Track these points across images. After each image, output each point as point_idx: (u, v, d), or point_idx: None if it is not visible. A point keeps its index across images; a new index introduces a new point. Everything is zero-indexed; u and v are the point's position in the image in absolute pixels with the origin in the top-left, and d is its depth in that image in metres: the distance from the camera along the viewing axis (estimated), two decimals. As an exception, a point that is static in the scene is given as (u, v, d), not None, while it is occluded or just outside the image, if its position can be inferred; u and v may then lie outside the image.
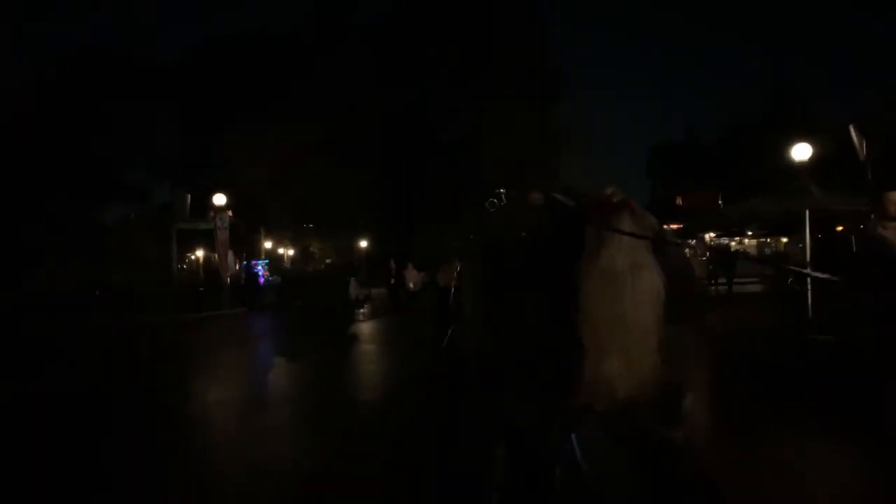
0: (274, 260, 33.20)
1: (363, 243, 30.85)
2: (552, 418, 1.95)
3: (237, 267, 22.71)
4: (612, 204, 1.83)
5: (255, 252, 26.75)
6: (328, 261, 29.57)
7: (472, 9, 30.40)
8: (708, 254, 19.23)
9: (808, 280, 9.80)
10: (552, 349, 1.87)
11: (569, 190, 2.23)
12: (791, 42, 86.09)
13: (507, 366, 2.01)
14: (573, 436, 1.99)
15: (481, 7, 30.39)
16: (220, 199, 17.72)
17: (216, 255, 18.60)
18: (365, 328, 14.60)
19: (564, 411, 1.92)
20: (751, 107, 45.81)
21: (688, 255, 2.27)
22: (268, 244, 29.51)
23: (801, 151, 11.42)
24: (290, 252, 32.56)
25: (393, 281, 15.89)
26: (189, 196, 18.86)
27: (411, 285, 14.63)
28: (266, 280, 22.02)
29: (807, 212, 9.72)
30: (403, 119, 30.14)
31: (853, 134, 9.33)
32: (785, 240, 29.39)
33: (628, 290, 1.74)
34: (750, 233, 28.69)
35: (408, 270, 14.07)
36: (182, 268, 31.50)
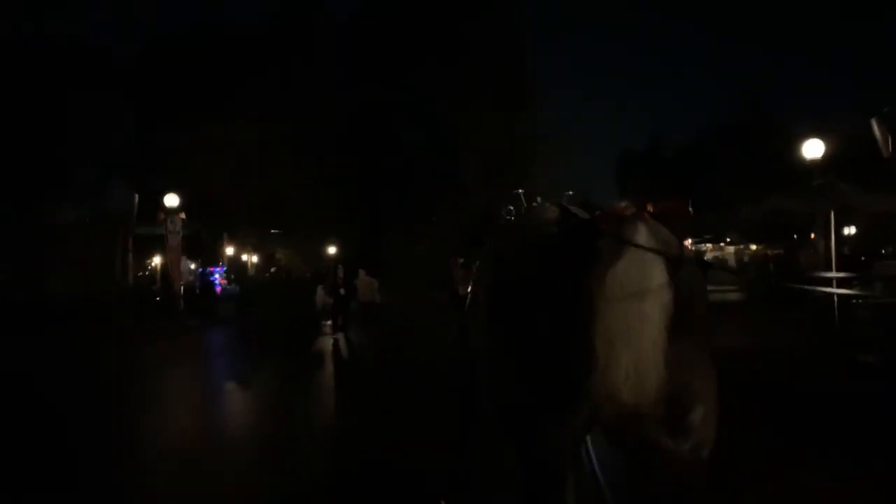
0: (237, 267, 31.25)
1: (332, 249, 29.11)
2: (563, 426, 1.96)
3: (192, 275, 20.75)
4: (627, 217, 1.90)
5: (216, 259, 24.83)
6: (273, 269, 27.56)
7: (446, 10, 29.11)
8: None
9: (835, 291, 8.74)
10: (564, 360, 1.85)
11: (583, 202, 2.42)
12: (759, 48, 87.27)
13: (521, 373, 2.02)
14: (590, 446, 2.27)
15: (454, 8, 29.12)
16: (171, 200, 15.94)
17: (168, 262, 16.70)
18: (332, 343, 12.96)
19: (574, 419, 1.94)
20: (718, 114, 45.75)
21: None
22: (230, 250, 27.57)
23: (814, 149, 10.34)
24: (255, 258, 30.64)
25: (342, 291, 13.27)
26: (137, 196, 17.00)
27: (376, 297, 12.49)
28: (223, 289, 20.12)
29: (832, 212, 8.64)
30: (372, 120, 28.61)
31: (875, 129, 8.20)
32: (754, 246, 28.82)
33: (639, 302, 1.76)
34: (728, 239, 27.96)
35: (359, 280, 12.03)
36: (144, 275, 29.45)
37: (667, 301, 1.76)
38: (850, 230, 30.76)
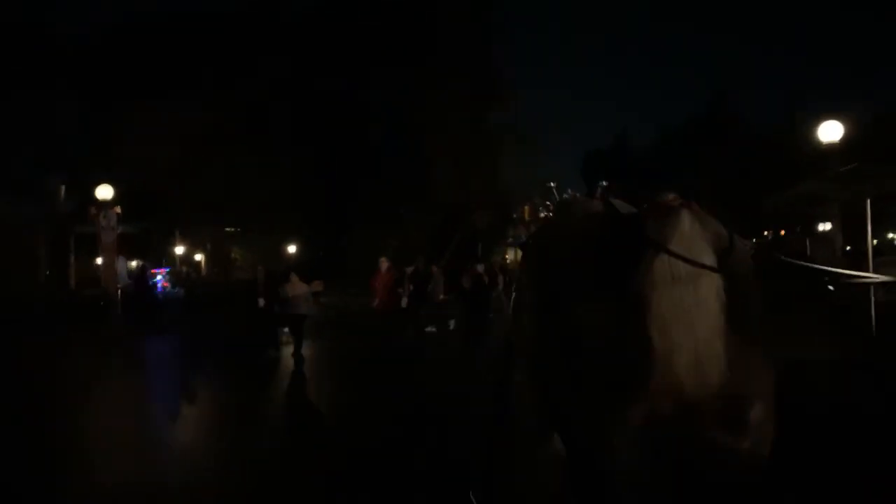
0: (191, 267, 29.03)
1: (291, 248, 27.19)
2: (616, 421, 1.88)
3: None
4: (673, 207, 1.83)
5: (167, 259, 22.65)
6: (184, 268, 25.26)
7: (412, 2, 27.44)
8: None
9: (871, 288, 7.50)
10: (618, 351, 1.80)
11: (627, 193, 2.39)
12: (728, 45, 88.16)
13: (571, 367, 1.95)
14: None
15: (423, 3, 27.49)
16: (104, 192, 13.86)
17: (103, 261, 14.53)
18: (288, 355, 11.14)
19: (630, 415, 1.85)
20: (683, 113, 45.47)
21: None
22: (180, 249, 25.35)
23: (831, 131, 9.12)
24: (209, 258, 28.46)
25: (262, 301, 10.75)
26: (64, 187, 14.84)
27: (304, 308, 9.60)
28: (166, 292, 17.95)
29: (868, 201, 7.37)
30: (336, 113, 26.73)
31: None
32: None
33: (692, 288, 1.71)
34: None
35: (290, 283, 9.59)
36: (91, 277, 27.01)
37: (720, 286, 1.72)
38: (825, 226, 30.64)
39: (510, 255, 34.71)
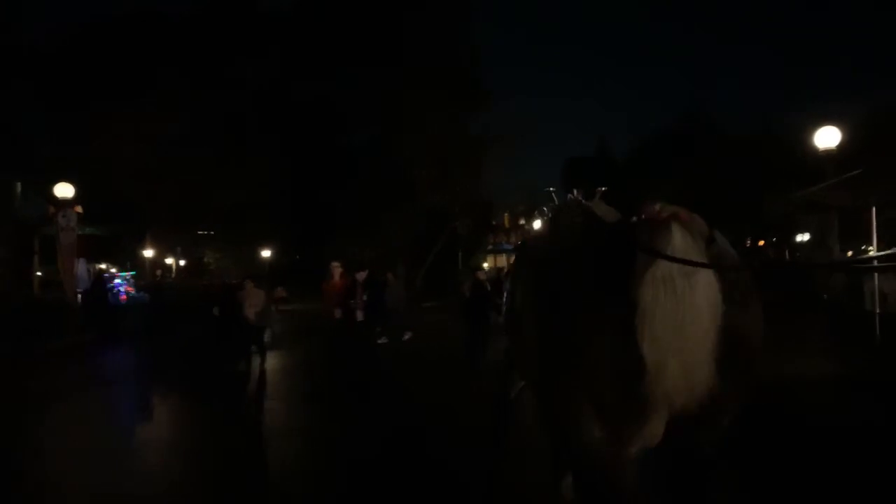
0: (163, 272, 27.88)
1: (266, 253, 26.29)
2: (624, 435, 1.89)
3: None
4: (661, 221, 1.80)
5: (129, 262, 21.57)
6: (158, 272, 24.17)
7: (392, 6, 26.75)
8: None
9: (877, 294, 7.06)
10: (618, 359, 1.80)
11: (616, 197, 2.48)
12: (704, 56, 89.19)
13: (567, 381, 1.94)
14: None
15: (401, 5, 26.82)
16: (64, 191, 12.89)
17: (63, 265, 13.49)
18: (284, 370, 10.21)
19: (640, 427, 1.87)
20: (661, 122, 45.59)
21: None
22: (150, 253, 24.27)
23: (828, 137, 8.70)
24: (181, 262, 27.37)
25: (217, 311, 9.47)
26: (20, 185, 13.82)
27: (252, 314, 8.30)
28: (130, 297, 16.91)
29: (873, 209, 6.93)
30: (313, 117, 25.94)
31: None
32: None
33: (686, 295, 1.71)
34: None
35: (246, 291, 8.42)
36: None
37: (713, 293, 1.73)
38: (803, 236, 30.74)
39: (489, 263, 34.27)
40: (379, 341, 10.92)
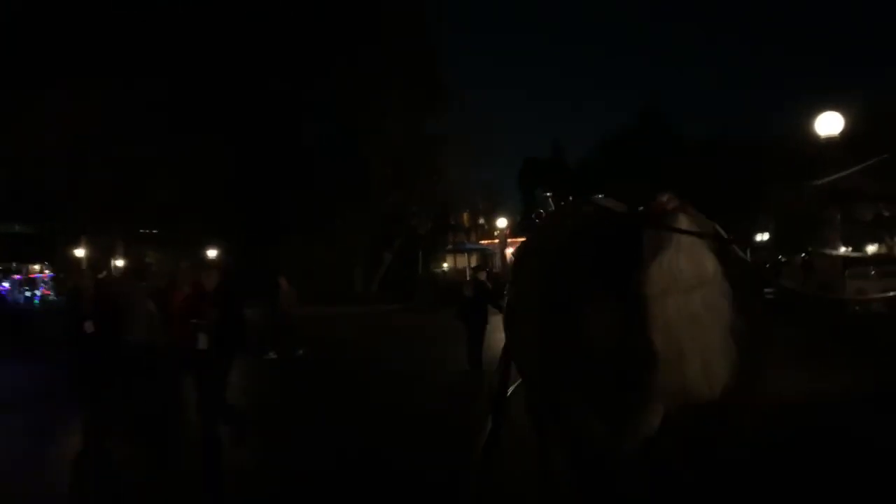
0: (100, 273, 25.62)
1: (212, 252, 24.42)
2: (623, 428, 1.85)
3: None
4: (668, 210, 1.78)
5: (57, 262, 19.52)
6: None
7: (351, 5, 25.26)
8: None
9: None
10: (619, 356, 1.75)
11: (622, 197, 2.20)
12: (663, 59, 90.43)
13: (572, 375, 1.90)
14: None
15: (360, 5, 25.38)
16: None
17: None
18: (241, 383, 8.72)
19: (639, 420, 1.83)
20: (616, 122, 45.69)
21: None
22: (81, 252, 22.13)
23: (829, 124, 7.95)
24: (119, 263, 25.17)
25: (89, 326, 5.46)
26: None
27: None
28: (47, 301, 14.94)
29: None
30: (267, 113, 24.22)
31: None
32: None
33: (698, 293, 1.66)
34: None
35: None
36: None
37: (724, 290, 1.68)
38: (762, 236, 30.89)
39: (448, 263, 33.22)
40: (270, 356, 9.60)
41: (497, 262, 30.59)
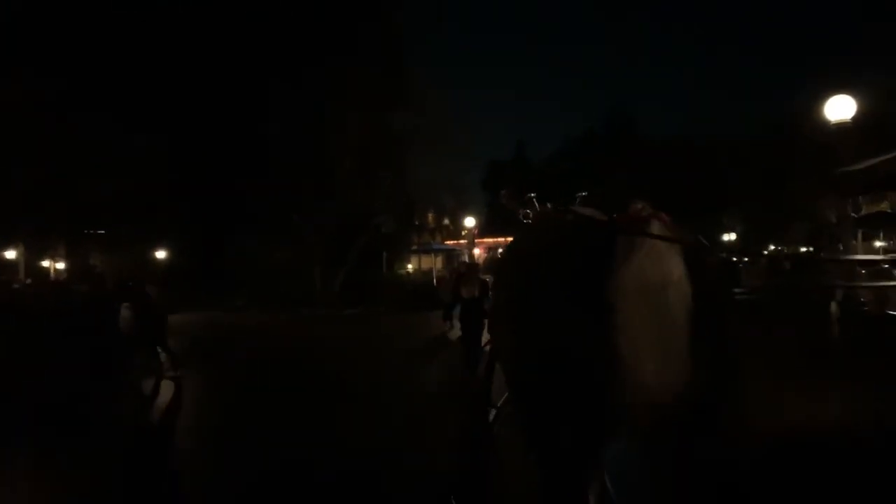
0: (40, 277, 23.56)
1: (160, 254, 22.77)
2: (590, 431, 1.87)
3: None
4: (642, 217, 1.82)
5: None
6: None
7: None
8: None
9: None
10: (588, 359, 1.78)
11: (598, 204, 2.22)
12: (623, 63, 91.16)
13: (545, 376, 1.90)
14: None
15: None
16: None
17: None
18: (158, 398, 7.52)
19: (602, 422, 1.84)
20: (579, 126, 45.50)
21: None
22: (11, 254, 20.17)
23: (841, 108, 7.15)
24: (60, 266, 23.25)
25: None
26: None
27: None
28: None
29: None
30: (217, 107, 22.59)
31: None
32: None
33: (661, 295, 1.70)
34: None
35: None
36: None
37: (687, 293, 1.71)
38: (729, 236, 30.79)
39: (413, 264, 32.07)
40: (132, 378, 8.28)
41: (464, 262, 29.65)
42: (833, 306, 8.32)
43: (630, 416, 1.74)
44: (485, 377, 3.29)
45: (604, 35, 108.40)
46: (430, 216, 32.93)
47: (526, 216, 3.09)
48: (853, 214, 21.16)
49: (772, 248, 31.61)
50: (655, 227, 1.74)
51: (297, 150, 22.76)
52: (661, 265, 1.69)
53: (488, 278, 7.86)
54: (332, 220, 22.65)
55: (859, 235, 20.24)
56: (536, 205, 3.13)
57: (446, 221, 36.91)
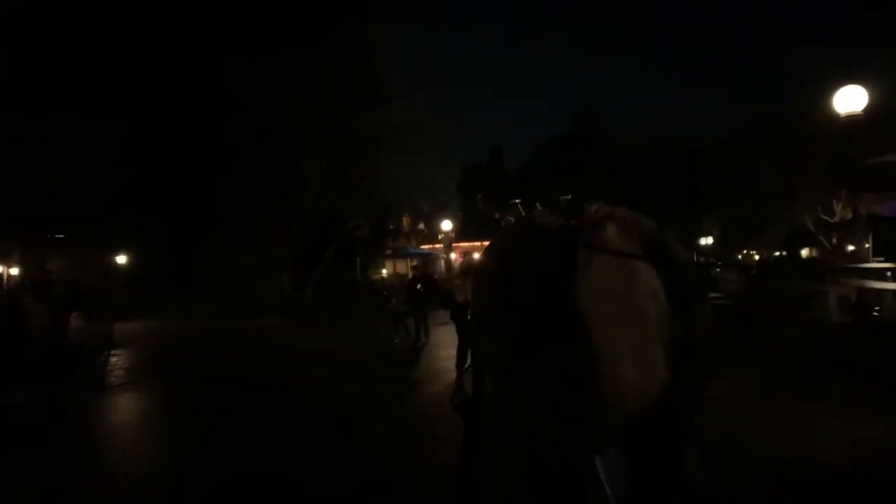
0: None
1: (120, 258, 21.53)
2: (576, 436, 1.85)
3: None
4: (596, 221, 1.82)
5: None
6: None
7: None
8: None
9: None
10: (569, 369, 1.77)
11: (557, 206, 2.34)
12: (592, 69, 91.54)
13: (530, 387, 1.90)
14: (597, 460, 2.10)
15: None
16: None
17: None
18: (116, 413, 6.63)
19: (588, 427, 1.82)
20: (556, 128, 45.29)
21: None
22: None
23: (851, 99, 6.61)
24: (13, 271, 21.79)
25: None
26: None
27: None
28: None
29: None
30: (184, 100, 21.48)
31: None
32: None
33: (630, 300, 1.68)
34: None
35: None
36: None
37: (655, 288, 1.69)
38: (706, 240, 30.53)
39: (387, 269, 31.17)
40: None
41: (441, 266, 28.92)
42: (833, 306, 7.81)
43: (612, 419, 1.74)
44: (472, 396, 3.11)
45: (583, 35, 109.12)
46: (406, 220, 32.12)
47: (508, 222, 2.99)
48: (826, 218, 21.09)
49: (746, 252, 31.58)
50: (610, 229, 1.73)
51: (265, 151, 21.76)
52: (626, 268, 1.68)
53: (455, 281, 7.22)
54: (304, 224, 21.68)
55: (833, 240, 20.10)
56: (522, 210, 3.04)
57: (421, 226, 36.09)
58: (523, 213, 3.07)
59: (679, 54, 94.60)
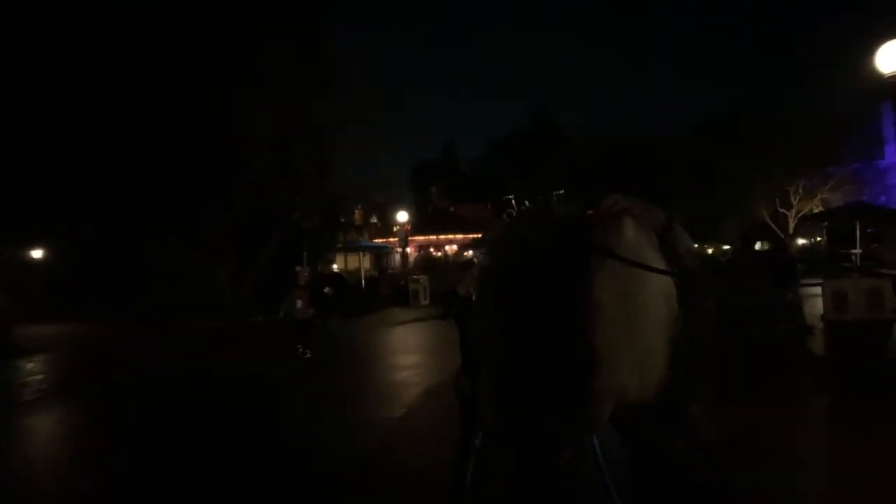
0: None
1: (36, 253, 19.14)
2: (568, 421, 1.83)
3: None
4: (613, 215, 1.76)
5: None
6: None
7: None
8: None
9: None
10: (569, 359, 1.75)
11: (572, 198, 2.22)
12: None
13: (529, 374, 1.87)
14: (597, 446, 2.13)
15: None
16: None
17: None
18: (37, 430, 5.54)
19: (580, 414, 1.80)
20: (508, 124, 44.41)
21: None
22: None
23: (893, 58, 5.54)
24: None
25: None
26: None
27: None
28: None
29: None
30: (124, 91, 19.17)
31: None
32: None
33: (639, 295, 1.65)
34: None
35: None
36: None
37: (665, 288, 1.67)
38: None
39: (338, 264, 29.50)
40: None
41: (396, 260, 27.38)
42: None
43: (606, 410, 1.72)
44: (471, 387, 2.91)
45: (542, 32, 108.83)
46: (358, 212, 30.45)
47: (510, 216, 2.92)
48: (784, 211, 20.56)
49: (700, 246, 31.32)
50: (629, 225, 1.69)
51: (202, 136, 19.69)
52: (639, 259, 1.63)
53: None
54: (244, 216, 19.73)
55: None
56: (515, 206, 3.02)
57: (374, 219, 34.42)
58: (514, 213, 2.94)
59: (648, 45, 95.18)
